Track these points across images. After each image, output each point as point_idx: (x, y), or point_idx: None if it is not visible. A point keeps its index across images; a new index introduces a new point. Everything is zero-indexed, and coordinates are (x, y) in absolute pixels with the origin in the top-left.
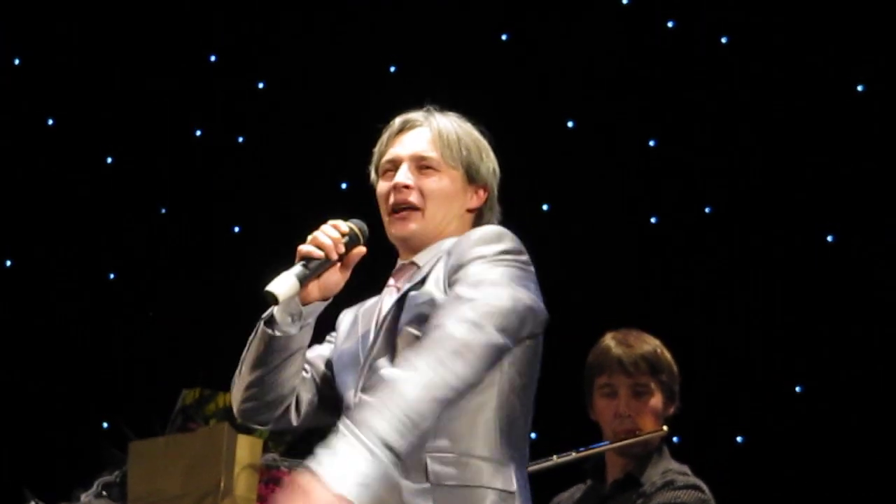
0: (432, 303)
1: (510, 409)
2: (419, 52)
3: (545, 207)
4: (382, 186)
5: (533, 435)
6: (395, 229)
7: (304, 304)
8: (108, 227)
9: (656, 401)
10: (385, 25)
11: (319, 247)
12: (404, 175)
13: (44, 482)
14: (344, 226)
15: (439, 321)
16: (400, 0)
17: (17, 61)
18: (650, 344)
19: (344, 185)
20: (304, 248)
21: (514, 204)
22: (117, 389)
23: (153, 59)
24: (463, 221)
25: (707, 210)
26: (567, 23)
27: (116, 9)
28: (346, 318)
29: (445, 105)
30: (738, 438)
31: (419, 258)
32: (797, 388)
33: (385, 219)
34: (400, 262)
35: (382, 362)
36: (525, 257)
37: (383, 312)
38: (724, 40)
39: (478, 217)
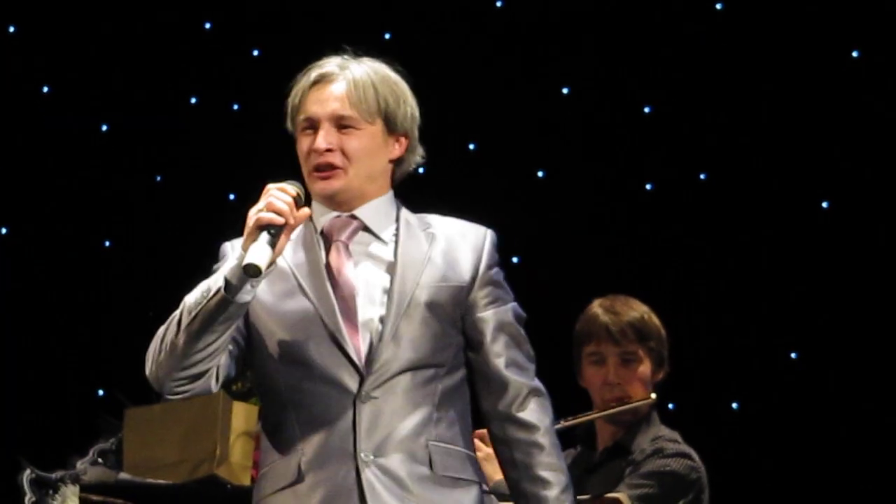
0: (458, 295)
1: (468, 403)
2: (413, 17)
3: (540, 174)
4: (302, 143)
5: None
6: (319, 187)
7: None
8: (103, 195)
9: (645, 368)
10: None
11: (278, 212)
12: (324, 139)
13: (39, 450)
14: (291, 189)
15: (531, 410)
16: None
17: (11, 29)
18: (637, 310)
19: None
20: (266, 215)
21: (508, 171)
22: (113, 357)
23: (148, 26)
24: (386, 171)
25: (702, 176)
26: None
27: None
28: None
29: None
30: (734, 405)
31: (362, 214)
32: (792, 355)
33: (305, 174)
34: (331, 213)
35: (404, 330)
36: None
37: (353, 277)
38: (718, 6)
39: (398, 164)
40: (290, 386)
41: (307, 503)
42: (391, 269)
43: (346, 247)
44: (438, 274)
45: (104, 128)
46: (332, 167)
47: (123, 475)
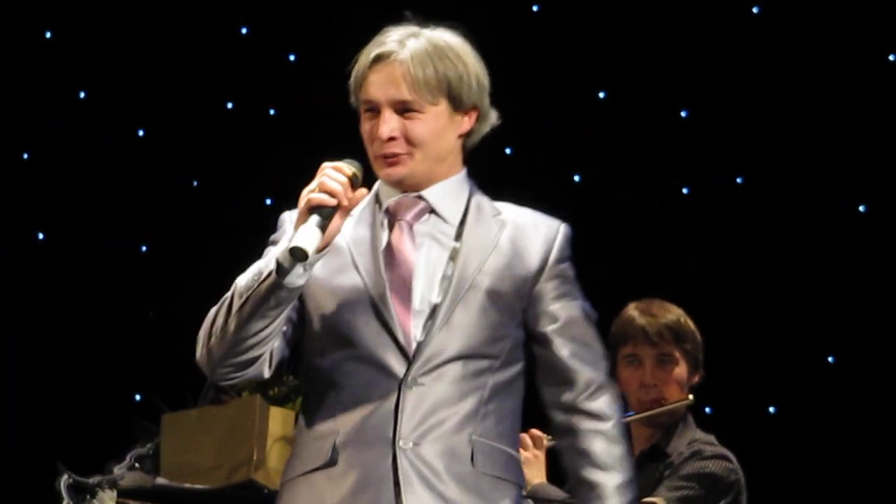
0: (522, 286)
1: (520, 402)
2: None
3: (576, 178)
4: (365, 125)
5: None
6: (384, 174)
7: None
8: (140, 200)
9: (681, 370)
10: None
11: (331, 193)
12: (387, 126)
13: (76, 455)
14: (347, 168)
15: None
16: None
17: (48, 34)
18: (674, 313)
19: None
20: (317, 196)
21: (545, 174)
22: (150, 362)
23: (184, 31)
24: (455, 148)
25: (738, 180)
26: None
27: None
28: None
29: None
30: (770, 409)
31: (430, 195)
32: (829, 359)
33: (370, 157)
34: (396, 193)
35: (459, 316)
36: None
37: (413, 259)
38: (755, 10)
39: (468, 136)
40: (333, 365)
41: (339, 486)
42: (454, 252)
43: (410, 227)
44: (504, 262)
45: (140, 133)
46: (395, 155)
47: (160, 480)
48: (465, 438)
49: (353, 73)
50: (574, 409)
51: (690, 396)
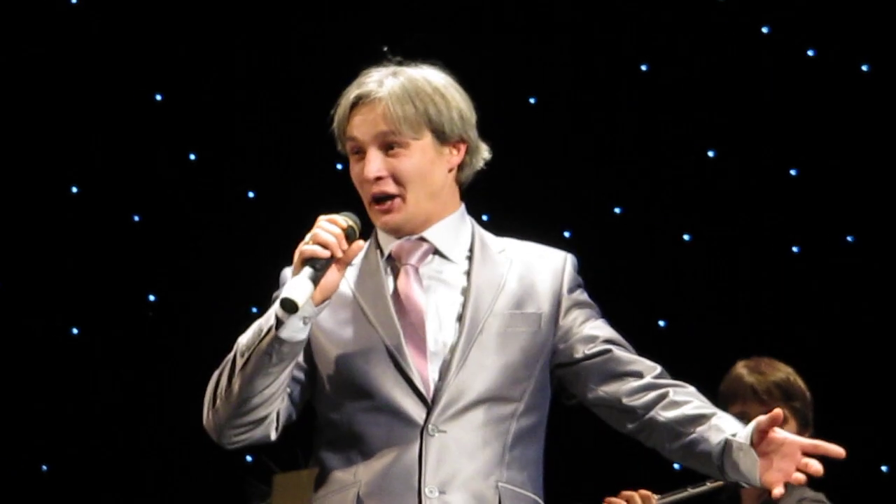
0: (525, 319)
1: (543, 448)
2: (558, 79)
3: (686, 237)
4: (353, 169)
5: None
6: (381, 222)
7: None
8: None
9: (790, 428)
10: None
11: (324, 245)
12: (374, 166)
13: None
14: (342, 220)
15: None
16: None
17: (158, 97)
18: (783, 371)
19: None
20: (309, 248)
21: (654, 233)
22: None
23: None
24: (448, 184)
25: (849, 238)
26: (705, 53)
27: None
28: None
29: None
30: (883, 468)
31: (431, 236)
32: None
33: (365, 204)
34: (395, 237)
35: (474, 358)
36: None
37: (423, 303)
38: (864, 68)
39: (461, 168)
40: (351, 417)
41: None
42: (465, 293)
43: (416, 270)
44: (514, 300)
45: (250, 195)
46: (388, 197)
47: None
48: (492, 485)
49: (336, 118)
50: (653, 385)
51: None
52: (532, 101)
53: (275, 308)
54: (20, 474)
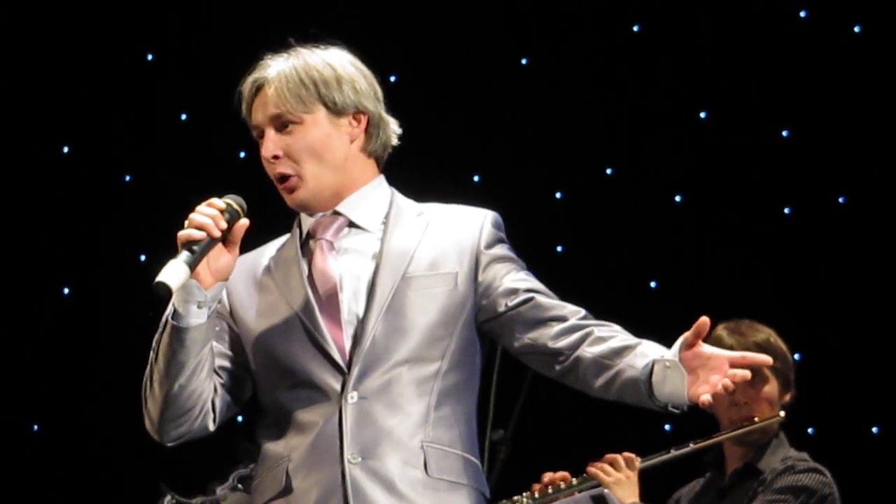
0: (442, 279)
1: (475, 405)
2: (551, 42)
3: (677, 199)
4: (261, 153)
5: (667, 427)
6: (288, 201)
7: (205, 289)
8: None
9: (771, 388)
10: None
11: (199, 227)
12: (269, 144)
13: (179, 475)
14: (220, 202)
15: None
16: None
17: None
18: (763, 332)
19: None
20: (183, 232)
21: (646, 194)
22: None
23: None
24: (354, 156)
25: (840, 199)
26: (697, 14)
27: None
28: (238, 280)
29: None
30: (874, 429)
31: (345, 209)
32: None
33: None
34: (314, 213)
35: (389, 323)
36: None
37: (336, 274)
38: (856, 29)
39: (367, 140)
40: (278, 394)
41: None
42: (377, 259)
43: (331, 244)
44: (428, 262)
45: (242, 155)
46: (286, 177)
47: None
48: (417, 445)
49: (242, 109)
50: (578, 326)
51: (782, 413)
52: (524, 61)
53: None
54: (11, 435)
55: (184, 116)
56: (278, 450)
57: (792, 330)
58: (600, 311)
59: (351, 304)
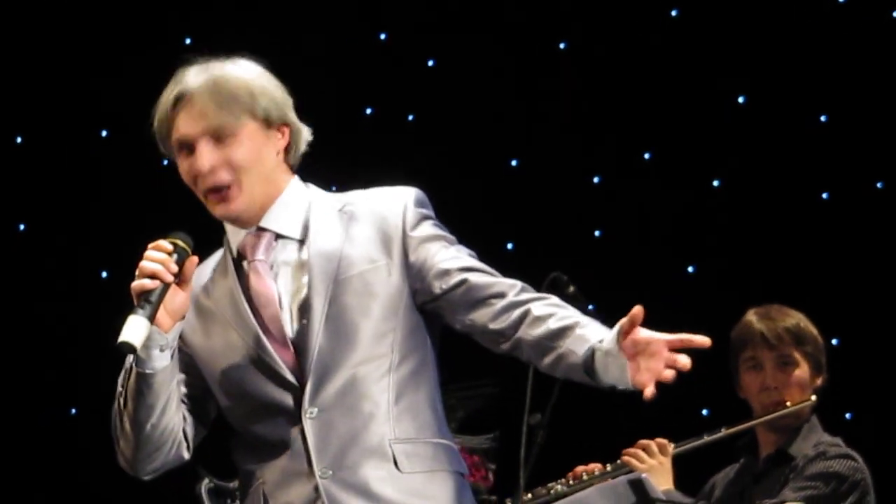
0: (378, 269)
1: (437, 387)
2: (589, 25)
3: (715, 184)
4: (183, 166)
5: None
6: (220, 212)
7: (165, 332)
8: None
9: (802, 372)
10: None
11: (151, 275)
12: (206, 158)
13: (217, 459)
14: (167, 244)
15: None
16: None
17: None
18: (794, 317)
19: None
20: (137, 283)
21: (684, 179)
22: None
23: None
24: (278, 166)
25: (878, 185)
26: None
27: None
28: None
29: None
30: None
31: (269, 223)
32: None
33: (201, 199)
34: (241, 231)
35: (332, 330)
36: None
37: (274, 294)
38: (895, 14)
39: (289, 150)
40: (241, 420)
41: None
42: (306, 269)
43: (264, 263)
44: (359, 258)
45: None
46: (222, 187)
47: None
48: (384, 445)
49: (157, 123)
50: (515, 304)
51: (813, 397)
52: (562, 46)
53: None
54: (49, 419)
55: None
56: (253, 470)
57: (830, 315)
58: (637, 294)
59: (293, 321)
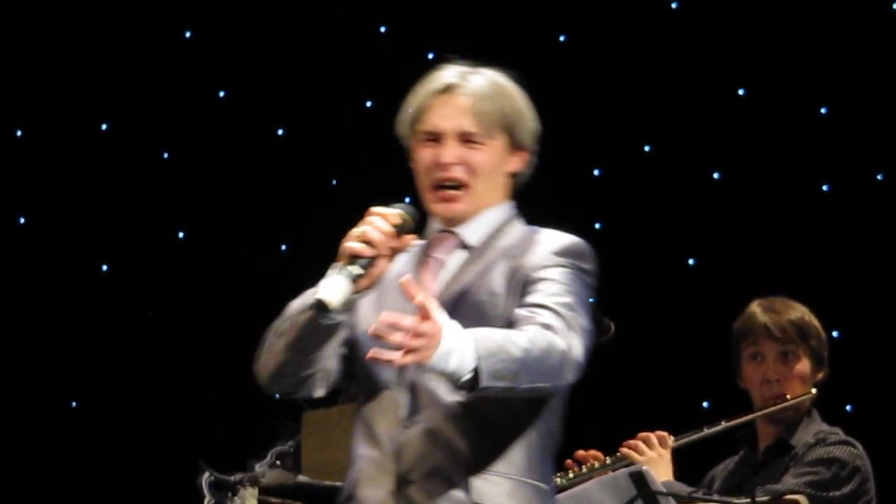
0: (494, 304)
1: (551, 435)
2: (590, 20)
3: (715, 176)
4: (423, 155)
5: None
6: (441, 209)
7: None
8: (282, 200)
9: (803, 366)
10: None
11: (369, 243)
12: (452, 152)
13: (218, 453)
14: (396, 216)
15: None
16: None
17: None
18: (798, 310)
19: None
20: (354, 247)
21: (685, 172)
22: None
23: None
24: (502, 185)
25: (879, 177)
26: None
27: None
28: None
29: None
30: None
31: (463, 231)
32: None
33: (425, 190)
34: (435, 227)
35: None
36: (594, 282)
37: (431, 289)
38: (895, 6)
39: (513, 176)
40: (361, 397)
41: None
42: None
43: (440, 262)
44: (492, 288)
45: (280, 132)
46: (455, 185)
47: (302, 478)
48: (463, 471)
49: (412, 106)
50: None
51: (813, 391)
52: (562, 38)
53: (319, 288)
54: (49, 410)
55: (221, 94)
56: (355, 451)
57: (830, 307)
58: (639, 287)
59: None
